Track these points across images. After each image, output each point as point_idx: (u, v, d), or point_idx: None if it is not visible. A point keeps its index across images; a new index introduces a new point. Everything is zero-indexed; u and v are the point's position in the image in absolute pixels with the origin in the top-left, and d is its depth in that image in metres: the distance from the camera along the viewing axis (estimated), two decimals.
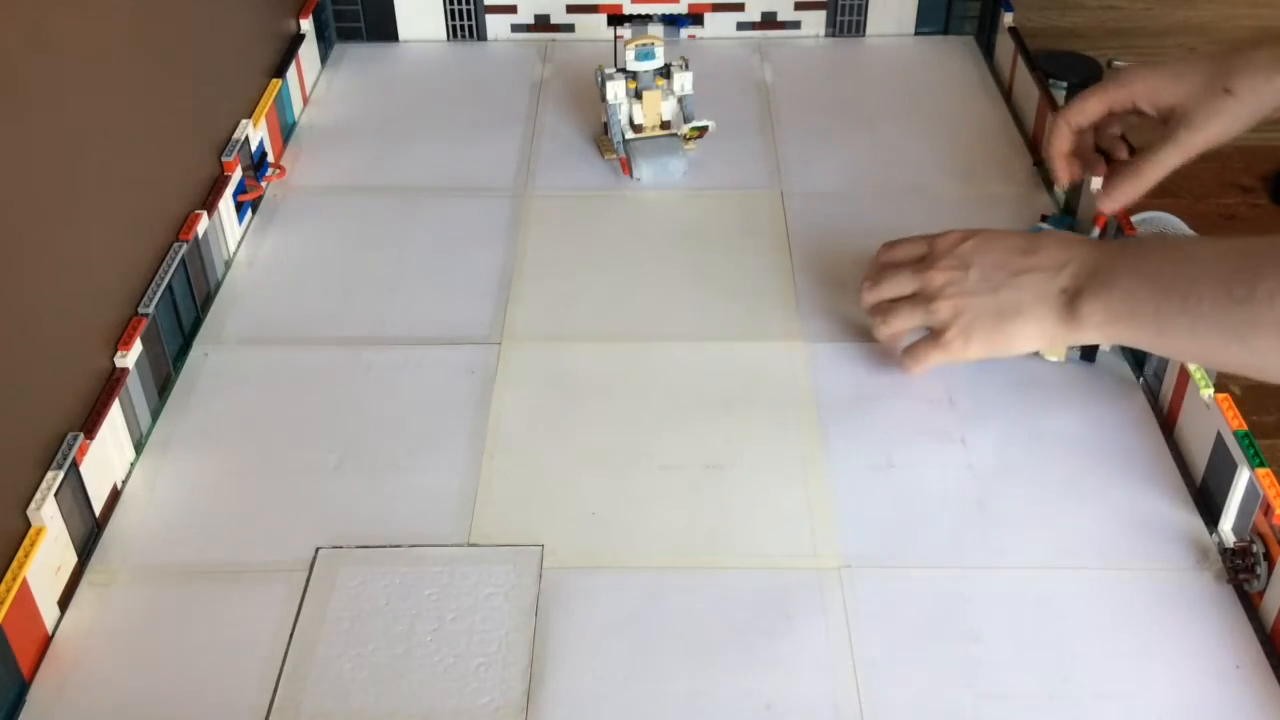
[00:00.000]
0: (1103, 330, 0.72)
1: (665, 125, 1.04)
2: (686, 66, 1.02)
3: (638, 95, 1.02)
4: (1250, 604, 0.68)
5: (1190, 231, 1.10)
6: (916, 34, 1.26)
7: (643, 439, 0.79)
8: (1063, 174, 0.91)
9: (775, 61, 1.22)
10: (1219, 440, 0.73)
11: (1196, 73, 0.81)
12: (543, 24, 1.25)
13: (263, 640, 0.67)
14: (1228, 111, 0.80)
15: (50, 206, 0.72)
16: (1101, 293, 0.71)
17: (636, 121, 1.03)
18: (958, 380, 0.83)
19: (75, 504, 0.71)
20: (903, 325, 0.79)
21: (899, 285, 0.79)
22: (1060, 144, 0.90)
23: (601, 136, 1.08)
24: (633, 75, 1.02)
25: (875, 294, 0.81)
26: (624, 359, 0.85)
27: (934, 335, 0.78)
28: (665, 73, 1.02)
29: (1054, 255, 0.74)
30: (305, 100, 1.15)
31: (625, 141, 1.04)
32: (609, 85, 1.01)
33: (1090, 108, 0.86)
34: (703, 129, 1.04)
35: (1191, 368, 0.77)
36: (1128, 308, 0.70)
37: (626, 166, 1.04)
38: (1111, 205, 0.86)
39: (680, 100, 1.03)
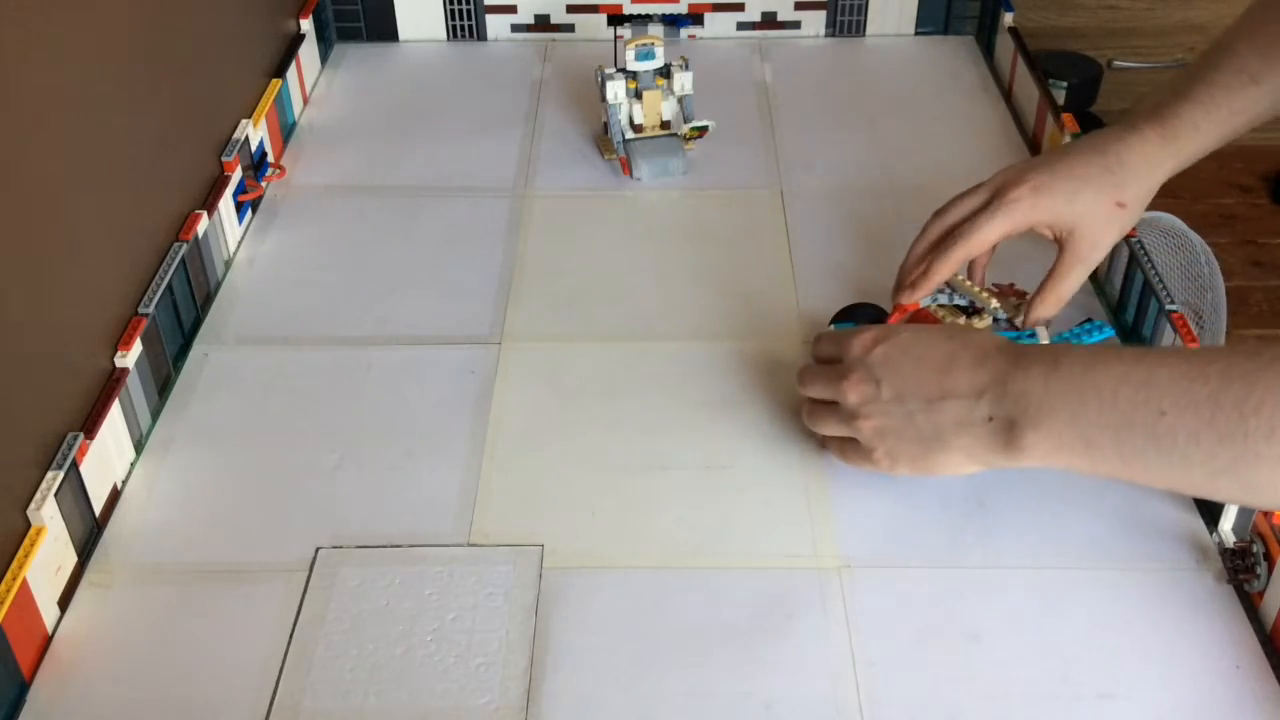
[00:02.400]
0: (1051, 460, 0.65)
1: (665, 125, 1.04)
2: (686, 66, 1.02)
3: (638, 95, 1.02)
4: (1250, 604, 0.68)
5: (1190, 231, 1.10)
6: (916, 34, 1.26)
7: (643, 439, 0.79)
8: (910, 278, 0.81)
9: (775, 61, 1.22)
10: None
11: (1089, 182, 0.79)
12: (543, 24, 1.25)
13: (263, 640, 0.67)
14: (1120, 223, 0.80)
15: (50, 206, 0.72)
16: (1042, 422, 0.64)
17: (636, 121, 1.03)
18: None
19: (75, 504, 0.71)
20: (830, 433, 0.75)
21: (819, 389, 0.74)
22: (921, 250, 0.82)
23: (601, 136, 1.08)
24: (633, 75, 1.02)
25: (802, 390, 0.76)
26: (624, 359, 0.85)
27: (863, 448, 0.72)
28: (665, 73, 1.02)
29: (969, 378, 0.67)
30: (305, 100, 1.15)
31: (625, 141, 1.04)
32: (609, 85, 1.01)
33: (988, 236, 0.79)
34: (703, 129, 1.04)
35: None
36: (1078, 437, 0.63)
37: (626, 166, 1.04)
38: (1032, 324, 0.81)
39: (680, 100, 1.03)
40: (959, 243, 0.79)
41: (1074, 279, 0.80)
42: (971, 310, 0.82)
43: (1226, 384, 0.58)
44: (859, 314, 0.84)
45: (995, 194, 0.79)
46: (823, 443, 0.77)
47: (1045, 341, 0.79)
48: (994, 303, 0.81)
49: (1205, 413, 0.58)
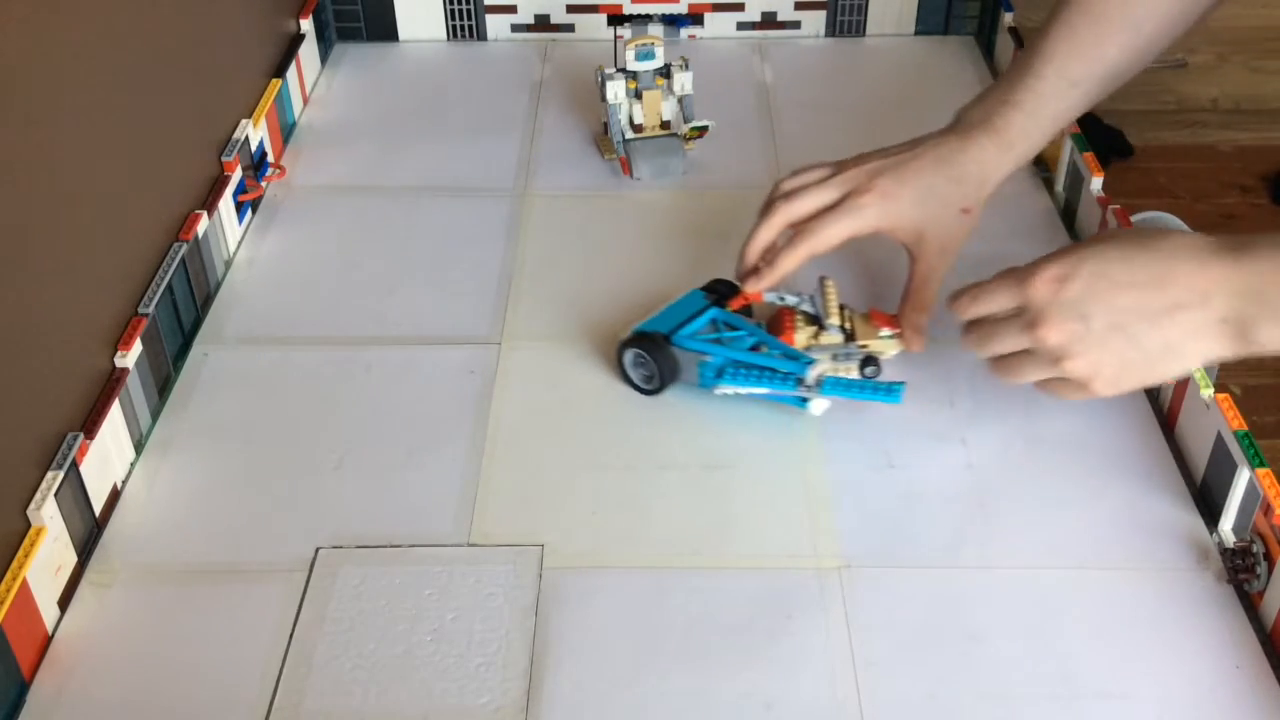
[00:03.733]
0: None
1: (665, 125, 1.04)
2: (686, 66, 1.02)
3: (638, 95, 1.02)
4: (1250, 604, 0.68)
5: (1190, 231, 1.10)
6: (916, 34, 1.26)
7: (643, 439, 0.79)
8: (753, 261, 0.83)
9: (775, 61, 1.22)
10: (1219, 440, 0.73)
11: (935, 202, 0.81)
12: (543, 24, 1.25)
13: (263, 640, 0.67)
14: (966, 229, 0.82)
15: (50, 206, 0.72)
16: (1278, 315, 0.65)
17: (636, 121, 1.03)
18: (958, 380, 0.83)
19: (75, 504, 0.71)
20: (1033, 379, 0.72)
21: (1007, 343, 0.72)
22: (766, 236, 0.83)
23: (601, 136, 1.08)
24: (633, 75, 1.02)
25: (982, 351, 0.74)
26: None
27: (1072, 382, 0.71)
28: (665, 73, 1.02)
29: (1191, 285, 0.66)
30: (305, 100, 1.15)
31: (625, 141, 1.04)
32: (609, 85, 1.01)
33: (834, 237, 0.80)
34: (703, 129, 1.04)
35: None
36: None
37: (626, 166, 1.04)
38: (908, 342, 0.82)
39: (680, 100, 1.03)
40: (806, 240, 0.81)
41: (932, 284, 0.82)
42: (818, 319, 0.81)
43: None
44: (717, 288, 0.84)
45: (845, 196, 0.81)
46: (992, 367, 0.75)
47: (816, 381, 0.77)
48: (834, 319, 0.81)
49: None
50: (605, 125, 1.05)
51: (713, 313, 0.83)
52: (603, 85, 1.02)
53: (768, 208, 0.84)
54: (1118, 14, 0.82)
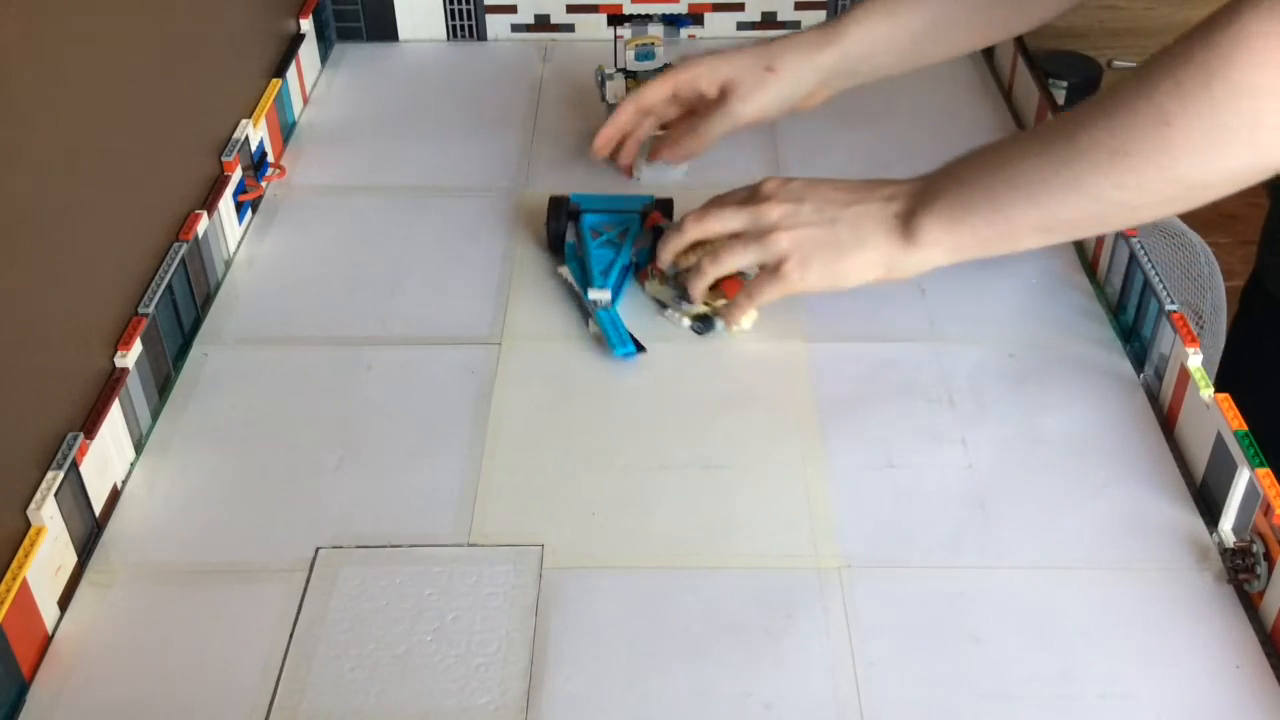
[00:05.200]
0: (943, 241, 0.76)
1: (665, 126, 1.04)
2: None
3: None
4: (1250, 604, 0.68)
5: (1190, 231, 1.10)
6: None
7: (643, 439, 0.79)
8: (605, 150, 0.98)
9: None
10: (1219, 440, 0.73)
11: (746, 54, 0.93)
12: (543, 24, 1.25)
13: (263, 640, 0.67)
14: (771, 87, 0.92)
15: (50, 207, 0.72)
16: (933, 205, 0.76)
17: None
18: (957, 380, 0.83)
19: (75, 504, 0.71)
20: (735, 264, 0.82)
21: (727, 221, 0.82)
22: (621, 122, 0.97)
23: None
24: (633, 75, 1.02)
25: (700, 229, 0.84)
26: (624, 359, 0.85)
27: (770, 270, 0.81)
28: None
29: (883, 189, 0.80)
30: (305, 100, 1.15)
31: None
32: (609, 85, 1.02)
33: (657, 90, 0.95)
34: None
35: (1191, 368, 0.77)
36: (962, 206, 0.75)
37: (628, 168, 1.04)
38: (672, 154, 0.96)
39: None
40: (632, 98, 0.96)
41: (714, 126, 0.93)
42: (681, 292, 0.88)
43: (1059, 123, 0.71)
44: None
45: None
46: (727, 315, 0.85)
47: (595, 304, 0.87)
48: (704, 300, 0.87)
49: (1046, 151, 0.71)
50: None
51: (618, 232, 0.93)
52: (603, 85, 1.02)
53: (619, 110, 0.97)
54: None
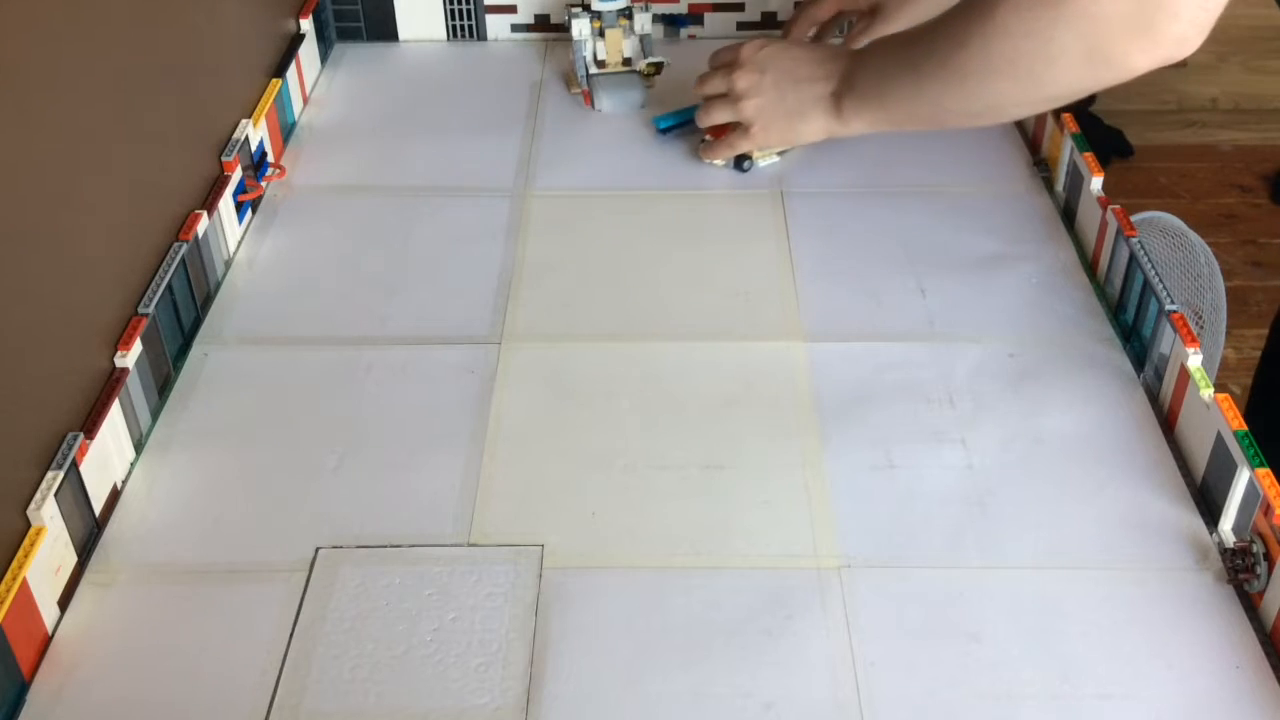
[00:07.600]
0: (864, 118, 0.93)
1: (627, 62, 1.14)
2: (647, 8, 1.13)
3: (601, 34, 1.12)
4: (1250, 604, 0.68)
5: (1190, 231, 1.10)
6: None
7: (643, 439, 0.79)
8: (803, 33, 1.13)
9: None
10: (1219, 440, 0.73)
11: None
12: (543, 24, 1.25)
13: (263, 640, 0.67)
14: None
15: (50, 207, 0.72)
16: (853, 89, 0.92)
17: (600, 58, 1.13)
18: (957, 380, 0.83)
19: (75, 504, 0.71)
20: (719, 119, 1.01)
21: (715, 85, 1.00)
22: (800, 31, 1.12)
23: (569, 72, 1.16)
24: (597, 15, 1.11)
25: (698, 90, 1.02)
26: (624, 359, 0.85)
27: (742, 127, 0.99)
28: (627, 13, 1.12)
29: (824, 66, 0.95)
30: (305, 100, 1.15)
31: (589, 76, 1.13)
32: (574, 23, 1.11)
33: (827, 6, 1.10)
34: (659, 64, 1.14)
35: (1191, 367, 0.77)
36: (874, 93, 0.91)
37: (589, 99, 1.13)
38: (712, 155, 1.05)
39: (641, 39, 1.13)
40: (804, 7, 1.12)
41: (880, 28, 1.07)
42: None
43: (946, 23, 0.82)
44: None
45: None
46: (704, 151, 1.04)
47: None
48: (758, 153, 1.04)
49: (937, 49, 0.83)
50: (572, 61, 1.14)
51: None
52: (569, 23, 1.11)
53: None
54: None
